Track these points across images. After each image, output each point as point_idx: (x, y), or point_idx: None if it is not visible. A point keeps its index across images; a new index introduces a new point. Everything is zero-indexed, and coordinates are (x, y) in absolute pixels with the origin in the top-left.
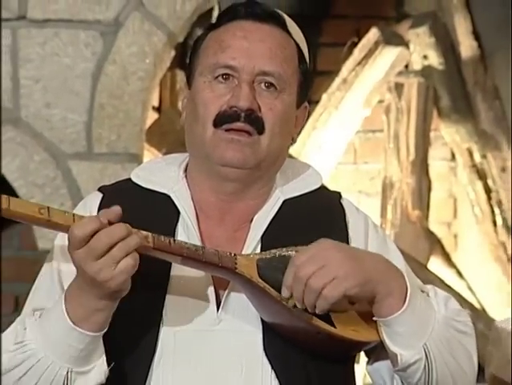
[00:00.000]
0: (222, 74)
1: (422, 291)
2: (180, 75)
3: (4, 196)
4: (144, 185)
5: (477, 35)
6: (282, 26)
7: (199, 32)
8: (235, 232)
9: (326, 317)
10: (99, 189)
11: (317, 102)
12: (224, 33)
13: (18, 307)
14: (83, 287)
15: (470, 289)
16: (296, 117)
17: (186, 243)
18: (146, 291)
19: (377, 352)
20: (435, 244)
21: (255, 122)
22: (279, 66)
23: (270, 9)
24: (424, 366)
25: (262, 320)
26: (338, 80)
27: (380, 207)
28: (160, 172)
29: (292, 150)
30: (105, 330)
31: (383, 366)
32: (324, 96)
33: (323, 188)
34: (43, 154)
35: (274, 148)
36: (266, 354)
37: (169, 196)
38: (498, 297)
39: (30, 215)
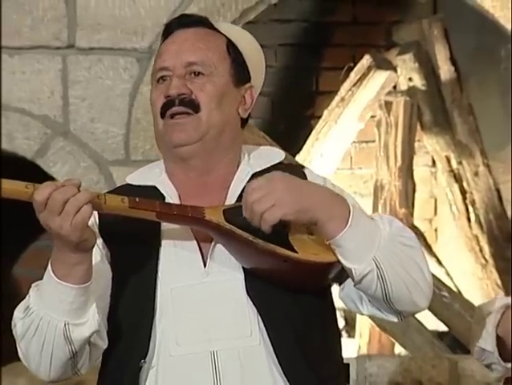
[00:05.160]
0: (161, 77)
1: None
2: None
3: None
4: (135, 183)
5: (454, 61)
6: (208, 26)
7: None
8: (212, 202)
9: (289, 247)
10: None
11: (319, 117)
12: (162, 45)
13: None
14: (58, 246)
15: (448, 275)
16: (243, 97)
17: (159, 202)
18: (141, 255)
19: (344, 277)
20: (418, 237)
21: (189, 104)
22: (203, 55)
23: (196, 16)
24: (378, 276)
25: (244, 268)
26: (337, 99)
27: (372, 206)
28: (147, 173)
29: (298, 157)
30: (88, 283)
31: (350, 290)
32: (325, 112)
33: (288, 162)
34: (88, 161)
35: (215, 122)
36: (249, 296)
37: (155, 187)
38: (472, 282)
39: (18, 190)
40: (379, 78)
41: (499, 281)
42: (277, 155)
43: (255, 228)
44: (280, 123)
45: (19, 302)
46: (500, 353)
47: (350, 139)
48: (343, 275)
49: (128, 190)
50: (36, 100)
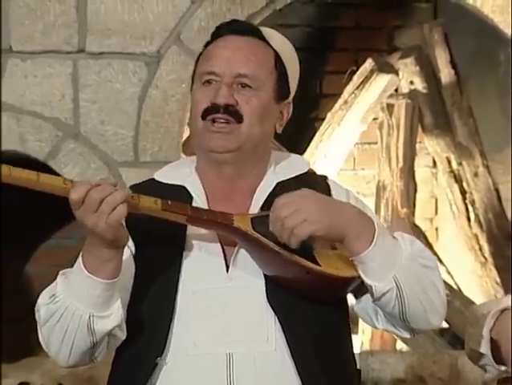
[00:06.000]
0: (208, 80)
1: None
2: None
3: (33, 172)
4: (164, 181)
5: (454, 65)
6: (259, 37)
7: None
8: (238, 206)
9: (312, 260)
10: (130, 187)
11: (323, 119)
12: (211, 47)
13: None
14: (92, 242)
15: (449, 273)
16: (281, 112)
17: (190, 206)
18: (166, 255)
19: (362, 291)
20: (420, 236)
21: (233, 114)
22: (253, 69)
23: (248, 24)
24: (396, 294)
25: (265, 274)
26: (340, 101)
27: (375, 205)
28: (176, 171)
29: None
30: (116, 278)
31: (367, 304)
32: (329, 115)
33: (311, 172)
34: (98, 162)
35: (254, 134)
36: (269, 302)
37: (184, 187)
38: (472, 280)
39: (56, 185)
40: (382, 81)
41: (498, 279)
42: (302, 165)
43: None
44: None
45: (31, 300)
46: (494, 355)
47: (353, 140)
48: (361, 289)
49: (155, 186)
50: (48, 103)
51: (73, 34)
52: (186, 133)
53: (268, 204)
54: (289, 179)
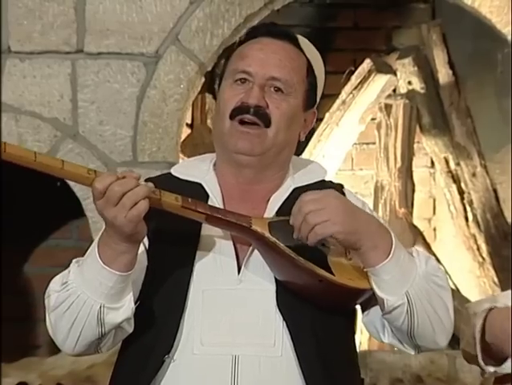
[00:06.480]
0: (240, 78)
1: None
2: (209, 98)
3: (58, 158)
4: (181, 177)
5: (452, 65)
6: (295, 43)
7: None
8: (253, 209)
9: (326, 269)
10: (146, 180)
11: (321, 119)
12: (246, 46)
13: None
14: (109, 233)
15: (447, 272)
16: (305, 120)
17: (209, 205)
18: (179, 253)
19: (371, 303)
20: (418, 236)
21: (262, 116)
22: (287, 74)
23: (286, 30)
24: (407, 310)
25: (276, 279)
26: (338, 102)
27: (373, 206)
28: (194, 167)
29: None
30: (131, 271)
31: (375, 317)
32: (327, 115)
33: (328, 181)
34: (97, 162)
35: (279, 140)
36: (279, 308)
37: (201, 184)
38: (470, 280)
39: (80, 174)
40: (380, 81)
41: (496, 279)
42: (320, 172)
43: (297, 245)
44: None
45: (31, 300)
46: (487, 355)
47: (351, 141)
48: (370, 301)
49: (171, 181)
50: (46, 103)
51: (72, 34)
52: (185, 133)
53: (283, 209)
54: (306, 185)
